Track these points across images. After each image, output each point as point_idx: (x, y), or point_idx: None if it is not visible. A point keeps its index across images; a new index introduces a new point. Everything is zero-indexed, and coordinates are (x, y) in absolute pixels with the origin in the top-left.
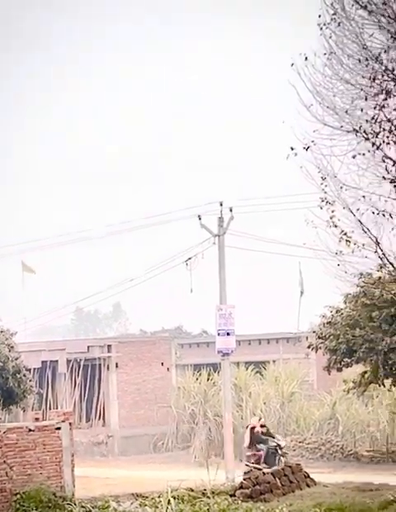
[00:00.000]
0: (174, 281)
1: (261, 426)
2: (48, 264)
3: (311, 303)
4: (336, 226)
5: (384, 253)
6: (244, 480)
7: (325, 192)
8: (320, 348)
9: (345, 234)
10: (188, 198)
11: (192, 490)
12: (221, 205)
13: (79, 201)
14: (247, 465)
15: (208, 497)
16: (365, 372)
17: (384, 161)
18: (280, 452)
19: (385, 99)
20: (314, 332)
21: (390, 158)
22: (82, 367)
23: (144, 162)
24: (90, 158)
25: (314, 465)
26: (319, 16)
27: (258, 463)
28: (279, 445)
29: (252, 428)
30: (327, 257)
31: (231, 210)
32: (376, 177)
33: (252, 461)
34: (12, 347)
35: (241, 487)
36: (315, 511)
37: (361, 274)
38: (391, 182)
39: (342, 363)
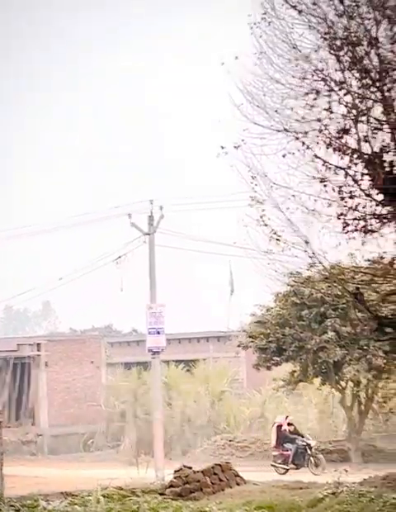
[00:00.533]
0: (104, 279)
1: (289, 424)
2: None
3: (241, 302)
4: (266, 225)
5: (313, 252)
6: (174, 478)
7: (255, 191)
8: (250, 346)
9: (275, 233)
10: (118, 197)
11: (122, 489)
12: (151, 203)
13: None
14: (272, 465)
15: (137, 496)
16: (295, 371)
17: (313, 160)
18: (309, 451)
19: (315, 99)
20: (244, 331)
21: (320, 158)
22: (12, 365)
23: (74, 160)
24: (18, 155)
25: (244, 463)
26: (249, 15)
27: (285, 463)
28: (308, 444)
29: (279, 426)
30: (257, 256)
31: (161, 209)
32: (306, 176)
33: (279, 461)
34: None
35: (171, 486)
36: (245, 509)
37: (291, 273)
38: (321, 182)
39: (272, 362)
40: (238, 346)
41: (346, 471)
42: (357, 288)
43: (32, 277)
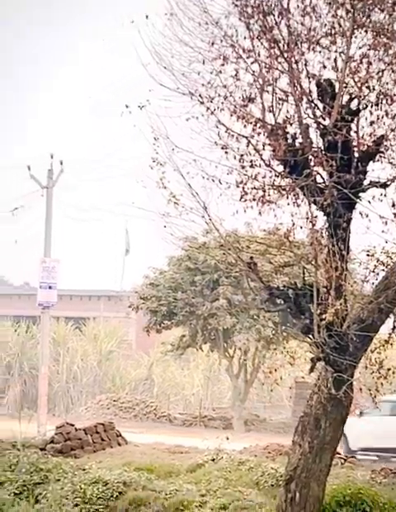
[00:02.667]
0: None
1: None
2: None
3: (135, 263)
4: (165, 188)
5: (210, 219)
6: (56, 434)
7: (157, 153)
8: (141, 308)
9: (173, 196)
10: (19, 148)
11: (2, 442)
12: (52, 157)
13: None
14: None
15: (18, 449)
16: (184, 336)
17: (217, 127)
18: None
19: (222, 65)
20: (136, 292)
21: (223, 125)
22: None
23: None
24: None
25: (127, 424)
26: None
27: None
28: None
29: None
30: (154, 218)
31: (61, 164)
32: (208, 142)
33: None
34: None
35: (52, 442)
36: (124, 470)
37: (187, 238)
38: (222, 148)
39: (162, 325)
40: (129, 307)
41: (228, 438)
42: (251, 258)
43: None
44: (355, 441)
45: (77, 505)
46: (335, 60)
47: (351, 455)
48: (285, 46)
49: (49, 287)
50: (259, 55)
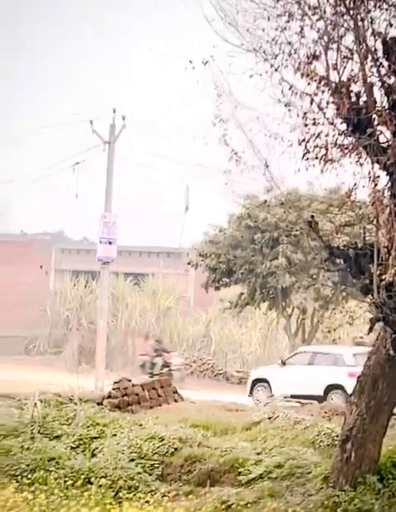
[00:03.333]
0: (60, 185)
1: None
2: None
3: (195, 220)
4: (227, 145)
5: (272, 177)
6: (113, 390)
7: (219, 110)
8: (200, 265)
9: (235, 153)
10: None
11: (60, 396)
12: (114, 112)
13: None
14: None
15: (75, 403)
16: (242, 294)
17: (280, 84)
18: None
19: (287, 22)
20: (196, 249)
21: (287, 82)
22: None
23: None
24: None
25: (184, 381)
26: None
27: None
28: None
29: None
30: (215, 175)
31: (124, 119)
32: (271, 99)
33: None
34: None
35: (109, 397)
36: (180, 426)
37: (247, 196)
38: (285, 106)
39: (221, 283)
40: (189, 264)
41: (285, 397)
42: (312, 216)
43: None
44: (277, 389)
45: (132, 460)
46: None
47: None
48: (351, 3)
49: (109, 243)
50: (325, 12)
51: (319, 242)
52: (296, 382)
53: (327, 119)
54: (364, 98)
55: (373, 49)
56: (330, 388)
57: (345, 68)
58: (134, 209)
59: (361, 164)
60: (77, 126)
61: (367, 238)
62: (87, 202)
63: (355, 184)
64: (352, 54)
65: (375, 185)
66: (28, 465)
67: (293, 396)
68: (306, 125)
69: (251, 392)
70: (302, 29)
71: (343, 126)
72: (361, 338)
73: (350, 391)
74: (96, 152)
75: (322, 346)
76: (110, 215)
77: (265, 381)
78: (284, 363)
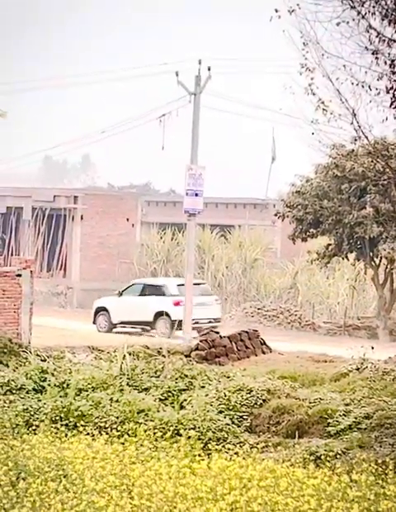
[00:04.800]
0: (146, 137)
1: None
2: (19, 109)
3: (282, 171)
4: (314, 94)
5: (359, 126)
6: (200, 342)
7: (306, 59)
8: (287, 216)
9: (322, 102)
10: (167, 54)
11: (148, 348)
12: (200, 63)
13: (54, 48)
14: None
15: (163, 356)
16: (330, 245)
17: (367, 31)
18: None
19: None
20: (282, 200)
21: (374, 29)
22: (47, 216)
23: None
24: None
25: (271, 332)
26: None
27: None
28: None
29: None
30: (302, 125)
31: (209, 70)
32: (358, 47)
33: None
34: None
35: (197, 349)
36: (268, 378)
37: (334, 145)
38: (373, 54)
39: (308, 234)
40: (275, 215)
41: (373, 348)
42: None
43: (74, 129)
44: (115, 316)
45: (221, 412)
46: None
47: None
48: None
49: (196, 194)
50: None
51: None
52: (130, 310)
53: None
54: None
55: None
56: (158, 315)
57: None
58: (221, 160)
59: None
60: (163, 77)
61: None
62: (173, 154)
63: None
64: None
65: None
66: (117, 417)
67: (128, 322)
68: (394, 73)
69: (94, 320)
70: None
71: None
72: None
73: (174, 317)
74: (183, 103)
75: (151, 278)
76: (197, 166)
77: (105, 309)
78: (121, 294)
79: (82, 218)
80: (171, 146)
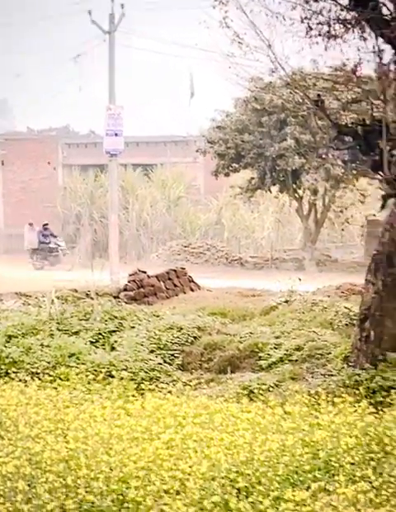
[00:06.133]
0: (63, 78)
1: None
2: None
3: (201, 107)
4: (228, 27)
5: (275, 57)
6: (128, 282)
7: None
8: (208, 152)
9: (237, 35)
10: None
11: (76, 291)
12: (112, 1)
13: None
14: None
15: (91, 298)
16: (253, 178)
17: None
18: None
19: None
20: (203, 136)
21: None
22: None
23: None
24: None
25: (199, 269)
26: None
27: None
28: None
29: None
30: (218, 59)
31: (122, 7)
32: None
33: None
34: None
35: (125, 290)
36: (198, 315)
37: (252, 78)
38: None
39: (230, 168)
40: (197, 151)
41: (300, 280)
42: (318, 95)
43: None
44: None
45: (152, 352)
46: None
47: None
48: None
49: (116, 134)
50: None
51: (327, 121)
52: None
53: None
54: None
55: None
56: None
57: None
58: (139, 99)
59: (365, 39)
60: (77, 17)
61: (375, 114)
62: (91, 95)
63: (359, 60)
64: None
65: (380, 59)
66: (49, 362)
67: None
68: (307, 2)
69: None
70: None
71: (345, 1)
72: (374, 215)
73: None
74: (98, 43)
75: None
76: (115, 106)
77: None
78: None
79: (2, 164)
80: (89, 87)
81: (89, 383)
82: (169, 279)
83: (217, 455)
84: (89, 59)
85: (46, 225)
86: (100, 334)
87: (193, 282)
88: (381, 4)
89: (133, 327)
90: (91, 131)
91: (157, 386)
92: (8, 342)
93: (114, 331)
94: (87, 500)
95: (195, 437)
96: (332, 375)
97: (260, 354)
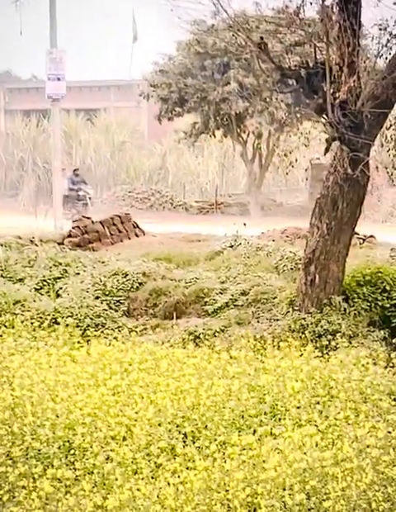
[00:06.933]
0: (3, 23)
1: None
2: None
3: (144, 51)
4: None
5: (218, 0)
6: (73, 228)
7: None
8: (152, 96)
9: None
10: None
11: (20, 238)
12: None
13: None
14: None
15: (36, 245)
16: (196, 123)
17: None
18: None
19: None
20: (146, 80)
21: None
22: None
23: None
24: None
25: (144, 215)
26: None
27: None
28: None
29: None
30: (161, 1)
31: None
32: None
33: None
34: None
35: (69, 236)
36: (143, 260)
37: (195, 21)
38: None
39: (173, 113)
40: (140, 95)
41: (245, 224)
42: (261, 38)
43: None
44: None
45: (97, 298)
46: None
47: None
48: None
49: (58, 79)
50: None
51: (270, 64)
52: None
53: None
54: None
55: None
56: None
57: None
58: (81, 43)
59: None
60: None
61: (318, 56)
62: (32, 39)
63: (303, 1)
64: None
65: (323, 1)
66: None
67: None
68: None
69: None
70: None
71: None
72: (318, 159)
73: None
74: None
75: None
76: (57, 50)
77: None
78: None
79: None
80: (29, 31)
81: (34, 330)
82: (114, 225)
83: (163, 401)
84: (30, 3)
85: (77, 170)
86: (44, 280)
87: (138, 227)
88: None
89: (78, 273)
90: (33, 76)
91: (102, 332)
92: None
93: (59, 278)
94: (34, 448)
95: (142, 383)
96: (277, 319)
97: (205, 299)
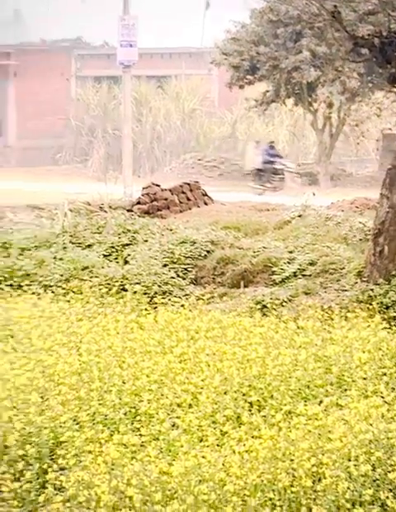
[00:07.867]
0: None
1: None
2: None
3: (216, 18)
4: None
5: None
6: (142, 195)
7: None
8: (223, 64)
9: None
10: None
11: (89, 204)
12: None
13: None
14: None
15: (105, 211)
16: (268, 91)
17: None
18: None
19: None
20: (218, 48)
21: None
22: None
23: None
24: None
25: (213, 183)
26: None
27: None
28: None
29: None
30: None
31: None
32: None
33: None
34: None
35: (138, 203)
36: (211, 229)
37: None
38: None
39: (245, 81)
40: (211, 63)
41: (314, 194)
42: (335, 6)
43: None
44: None
45: (165, 265)
46: None
47: None
48: None
49: (130, 45)
50: None
51: (343, 33)
52: None
53: None
54: None
55: None
56: None
57: None
58: (154, 9)
59: None
60: None
61: (392, 26)
62: (104, 5)
63: None
64: None
65: None
66: (62, 275)
67: None
68: None
69: None
70: None
71: None
72: (389, 129)
73: None
74: None
75: None
76: (129, 16)
77: None
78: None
79: (15, 75)
80: None
81: (102, 297)
82: (182, 193)
83: (230, 369)
84: None
85: (272, 142)
86: (113, 247)
87: (206, 195)
88: None
89: (146, 241)
90: (105, 42)
91: (169, 299)
92: (21, 254)
93: (127, 245)
94: (100, 413)
95: (208, 351)
96: (345, 290)
97: (273, 269)
